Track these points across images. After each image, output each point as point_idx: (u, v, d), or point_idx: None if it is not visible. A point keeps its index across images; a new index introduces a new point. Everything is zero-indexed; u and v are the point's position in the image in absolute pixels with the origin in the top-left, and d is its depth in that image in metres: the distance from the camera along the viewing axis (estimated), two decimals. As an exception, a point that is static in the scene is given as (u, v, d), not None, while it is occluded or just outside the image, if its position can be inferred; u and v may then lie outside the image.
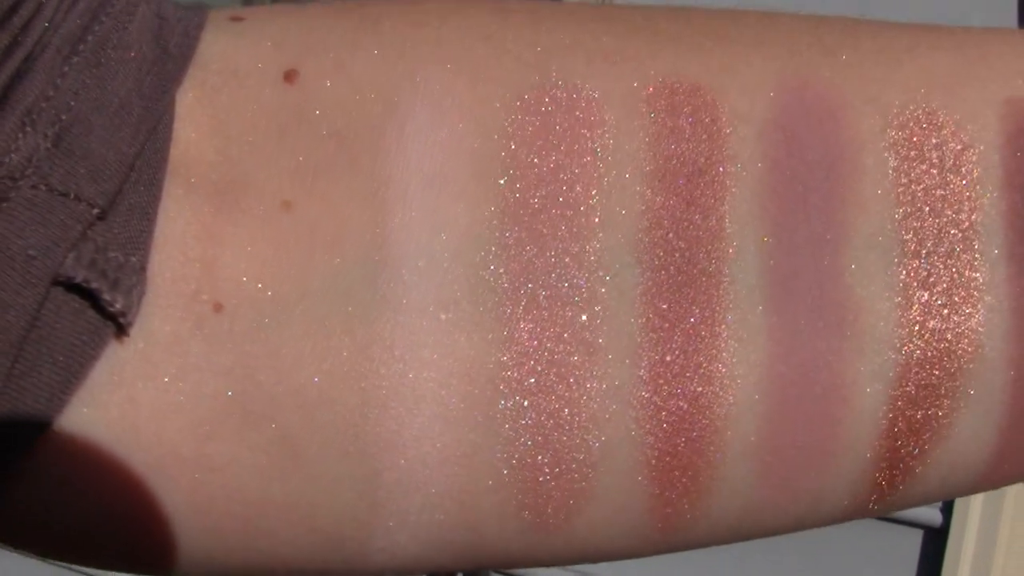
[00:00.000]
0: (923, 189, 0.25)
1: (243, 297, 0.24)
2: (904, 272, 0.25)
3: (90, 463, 0.24)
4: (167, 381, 0.24)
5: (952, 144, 0.25)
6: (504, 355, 0.25)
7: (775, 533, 0.28)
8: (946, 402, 0.25)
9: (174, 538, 0.25)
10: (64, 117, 0.24)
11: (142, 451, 0.24)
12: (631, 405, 0.25)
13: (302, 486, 0.25)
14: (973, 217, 0.25)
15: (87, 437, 0.24)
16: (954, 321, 0.25)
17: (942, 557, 1.22)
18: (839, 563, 1.29)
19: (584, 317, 0.25)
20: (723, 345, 0.25)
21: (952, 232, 0.25)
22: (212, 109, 0.25)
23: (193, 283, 0.24)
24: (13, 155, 0.23)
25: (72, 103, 0.24)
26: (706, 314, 0.25)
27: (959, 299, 0.25)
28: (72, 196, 0.23)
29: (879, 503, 0.27)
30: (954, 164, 0.25)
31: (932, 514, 1.22)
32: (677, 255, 0.25)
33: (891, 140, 0.25)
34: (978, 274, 0.25)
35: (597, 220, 0.25)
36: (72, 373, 0.23)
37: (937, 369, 0.25)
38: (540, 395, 0.25)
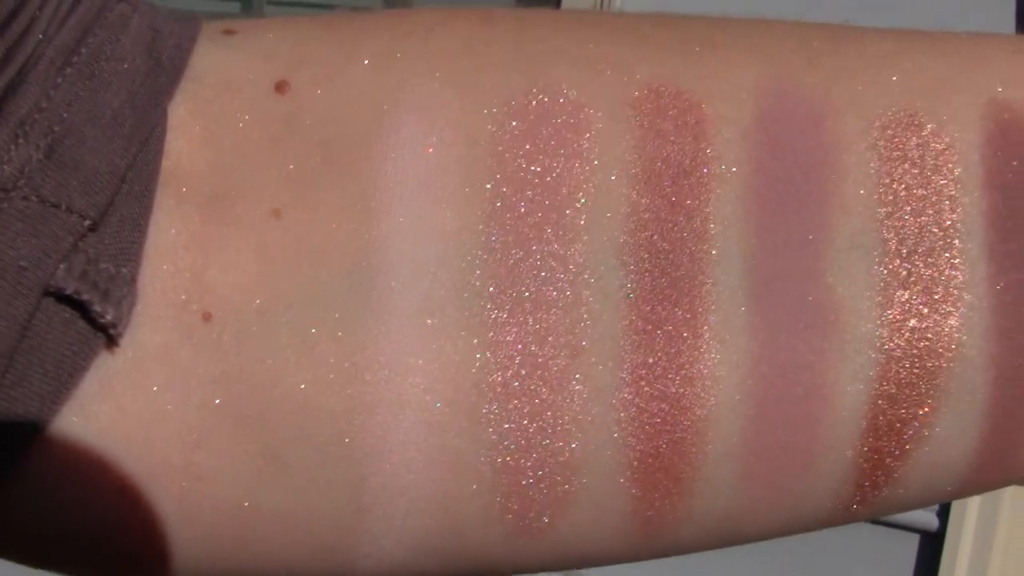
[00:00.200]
0: (905, 189, 0.25)
1: (231, 306, 0.24)
2: (885, 271, 0.25)
3: (80, 472, 0.24)
4: (156, 390, 0.24)
5: (934, 144, 0.26)
6: (489, 359, 0.25)
7: (759, 538, 0.28)
8: (927, 401, 0.26)
9: (164, 546, 0.25)
10: (57, 129, 0.24)
11: (132, 460, 0.24)
12: (613, 407, 0.25)
13: (290, 493, 0.25)
14: (954, 216, 0.25)
15: (77, 446, 0.24)
16: (934, 320, 0.25)
17: (938, 561, 1.22)
18: (835, 567, 1.29)
19: (568, 320, 0.25)
20: (705, 346, 0.25)
21: (933, 231, 0.25)
22: (204, 120, 0.25)
23: (183, 293, 0.24)
24: (5, 166, 0.23)
25: (65, 115, 0.24)
26: (688, 316, 0.25)
27: (939, 298, 0.25)
28: (64, 208, 0.23)
29: (862, 505, 0.27)
30: (936, 164, 0.26)
31: (928, 518, 1.23)
32: (661, 257, 0.25)
33: (873, 141, 0.26)
34: (958, 273, 0.25)
35: (583, 223, 0.25)
36: (62, 383, 0.24)
37: (917, 368, 0.25)
38: (524, 398, 0.25)
